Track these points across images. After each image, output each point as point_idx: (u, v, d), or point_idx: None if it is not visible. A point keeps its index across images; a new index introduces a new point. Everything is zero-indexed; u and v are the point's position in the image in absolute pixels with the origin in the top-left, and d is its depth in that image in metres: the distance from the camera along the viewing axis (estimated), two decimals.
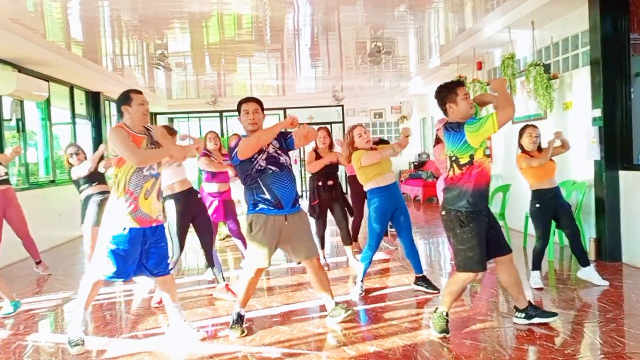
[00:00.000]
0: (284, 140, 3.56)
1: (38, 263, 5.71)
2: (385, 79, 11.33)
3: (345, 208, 5.34)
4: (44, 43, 6.60)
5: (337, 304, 3.66)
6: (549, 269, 5.05)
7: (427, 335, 3.39)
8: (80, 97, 9.35)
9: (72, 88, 8.86)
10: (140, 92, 3.31)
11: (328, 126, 6.34)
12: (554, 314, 3.46)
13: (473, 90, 7.70)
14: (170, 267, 3.50)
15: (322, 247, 5.43)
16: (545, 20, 5.98)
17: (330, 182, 5.19)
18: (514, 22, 6.03)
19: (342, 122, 14.49)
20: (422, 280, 4.42)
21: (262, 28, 6.52)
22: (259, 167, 3.40)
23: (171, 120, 15.43)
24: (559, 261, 5.36)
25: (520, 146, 4.46)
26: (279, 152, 3.49)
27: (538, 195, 4.40)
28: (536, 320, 3.42)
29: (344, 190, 5.64)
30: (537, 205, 4.40)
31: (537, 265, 4.41)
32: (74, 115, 8.96)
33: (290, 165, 3.54)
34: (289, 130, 3.55)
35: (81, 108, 9.43)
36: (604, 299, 3.99)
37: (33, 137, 7.87)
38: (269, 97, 12.87)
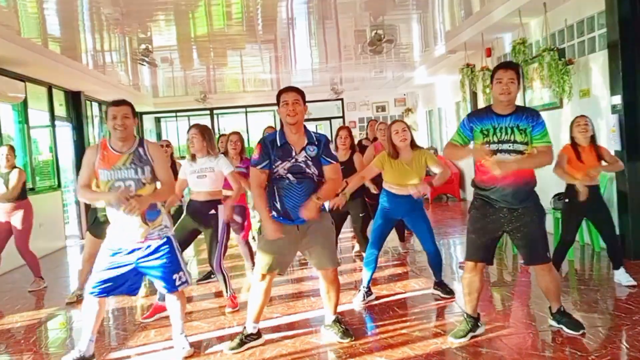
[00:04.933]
0: (321, 157, 3.34)
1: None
2: (388, 69, 11.34)
3: (363, 212, 5.30)
4: (18, 40, 6.60)
5: (337, 322, 3.62)
6: (569, 270, 5.05)
7: (440, 344, 3.39)
8: (59, 98, 9.35)
9: (50, 88, 8.86)
10: (117, 104, 3.26)
11: (328, 122, 6.32)
12: (579, 327, 3.40)
13: (482, 79, 7.71)
14: (177, 284, 3.36)
15: None
16: (558, 1, 5.98)
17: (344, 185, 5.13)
18: (524, 5, 6.03)
19: (342, 116, 14.50)
20: (438, 285, 4.45)
21: (254, 18, 6.52)
22: (277, 176, 3.32)
23: (158, 120, 15.45)
24: (580, 261, 5.36)
25: (572, 138, 4.45)
26: (310, 162, 3.31)
27: (570, 191, 4.41)
28: (561, 327, 3.43)
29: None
30: (567, 201, 4.44)
31: (555, 265, 4.40)
32: (53, 117, 8.96)
33: (317, 177, 3.34)
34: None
35: (61, 109, 9.42)
36: (630, 300, 3.98)
37: (9, 142, 7.86)
38: (262, 92, 12.87)
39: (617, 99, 5.09)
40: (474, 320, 3.45)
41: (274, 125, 10.20)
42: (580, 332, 3.36)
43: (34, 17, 5.98)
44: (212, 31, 7.06)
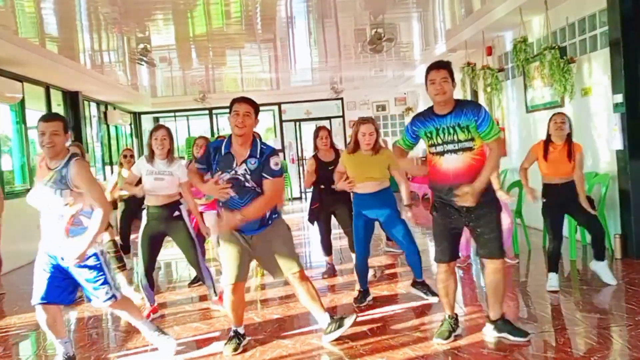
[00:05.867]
0: (261, 172, 3.31)
1: None
2: (388, 68, 11.34)
3: (351, 211, 5.32)
4: (16, 40, 6.60)
5: (332, 317, 3.60)
6: (571, 270, 5.05)
7: (441, 344, 3.38)
8: (57, 98, 9.34)
9: (48, 88, 8.86)
10: (46, 119, 3.14)
11: (328, 121, 6.33)
12: (525, 333, 3.37)
13: (483, 77, 7.71)
14: (103, 299, 3.26)
15: (329, 254, 5.44)
16: None
17: (333, 186, 5.17)
18: (525, 3, 6.02)
19: (342, 116, 14.49)
20: (421, 284, 4.44)
21: (253, 17, 6.53)
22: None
23: (157, 120, 15.43)
24: (582, 261, 5.36)
25: (548, 135, 4.46)
26: (248, 176, 3.30)
27: (546, 189, 4.44)
28: (505, 335, 3.37)
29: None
30: (544, 200, 4.45)
31: (552, 266, 4.40)
32: None
33: (258, 188, 3.32)
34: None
35: (59, 110, 9.42)
36: (632, 300, 3.98)
37: (7, 143, 7.87)
38: (262, 91, 12.88)
39: (619, 98, 5.09)
40: (455, 320, 3.50)
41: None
42: (527, 338, 3.32)
43: (32, 16, 5.99)
44: (210, 30, 7.06)
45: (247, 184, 3.32)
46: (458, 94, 9.36)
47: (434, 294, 4.31)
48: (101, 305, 3.29)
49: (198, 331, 4.00)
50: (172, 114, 14.60)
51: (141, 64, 7.73)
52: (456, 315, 3.53)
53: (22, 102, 7.81)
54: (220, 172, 3.33)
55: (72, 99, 9.77)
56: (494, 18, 6.78)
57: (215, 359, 3.44)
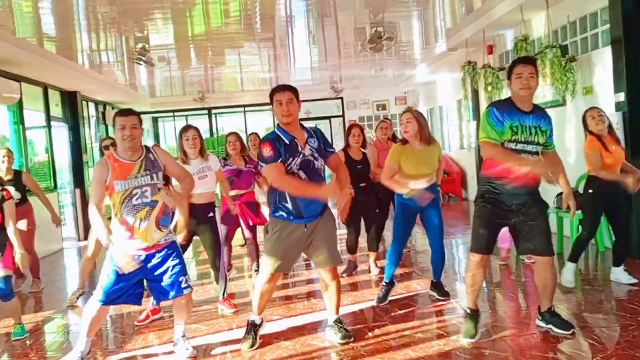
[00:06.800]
0: (324, 148, 3.47)
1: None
2: (388, 67, 11.33)
3: (378, 211, 5.33)
4: (13, 40, 6.60)
5: (338, 322, 3.63)
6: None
7: (442, 345, 3.39)
8: (55, 98, 9.35)
9: (45, 88, 8.86)
10: (125, 114, 3.29)
11: (327, 121, 6.31)
12: (569, 327, 3.42)
13: (484, 76, 7.71)
14: (182, 286, 3.38)
15: (355, 252, 5.41)
16: None
17: (363, 184, 5.10)
18: (526, 1, 6.03)
19: (342, 115, 14.50)
20: (434, 286, 4.46)
21: (252, 16, 6.53)
22: (290, 172, 3.36)
23: (155, 120, 15.44)
24: (584, 260, 5.36)
25: (589, 132, 4.40)
26: (316, 154, 3.41)
27: (596, 181, 4.37)
28: (550, 327, 3.45)
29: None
30: (590, 191, 4.43)
31: (573, 256, 4.43)
32: (49, 117, 8.96)
33: (324, 170, 3.46)
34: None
35: (57, 110, 9.43)
36: (634, 301, 3.98)
37: (5, 143, 7.87)
38: (261, 91, 12.87)
39: (621, 96, 5.09)
40: (477, 314, 3.50)
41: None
42: (570, 331, 3.38)
43: (29, 16, 5.99)
44: (209, 30, 7.06)
45: (315, 163, 3.39)
46: (459, 93, 9.39)
47: (446, 294, 4.37)
48: (179, 293, 3.36)
49: (197, 332, 4.00)
50: (171, 114, 14.59)
51: (140, 64, 7.74)
52: (477, 307, 3.51)
53: (20, 102, 7.81)
54: (291, 159, 3.33)
55: (70, 99, 9.78)
56: (494, 16, 6.78)
57: None
